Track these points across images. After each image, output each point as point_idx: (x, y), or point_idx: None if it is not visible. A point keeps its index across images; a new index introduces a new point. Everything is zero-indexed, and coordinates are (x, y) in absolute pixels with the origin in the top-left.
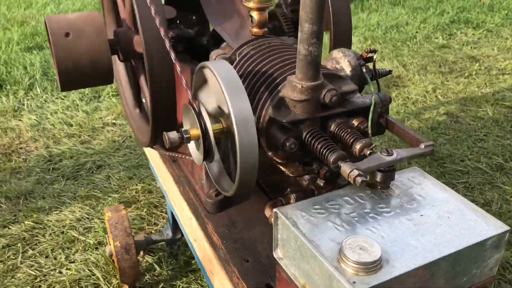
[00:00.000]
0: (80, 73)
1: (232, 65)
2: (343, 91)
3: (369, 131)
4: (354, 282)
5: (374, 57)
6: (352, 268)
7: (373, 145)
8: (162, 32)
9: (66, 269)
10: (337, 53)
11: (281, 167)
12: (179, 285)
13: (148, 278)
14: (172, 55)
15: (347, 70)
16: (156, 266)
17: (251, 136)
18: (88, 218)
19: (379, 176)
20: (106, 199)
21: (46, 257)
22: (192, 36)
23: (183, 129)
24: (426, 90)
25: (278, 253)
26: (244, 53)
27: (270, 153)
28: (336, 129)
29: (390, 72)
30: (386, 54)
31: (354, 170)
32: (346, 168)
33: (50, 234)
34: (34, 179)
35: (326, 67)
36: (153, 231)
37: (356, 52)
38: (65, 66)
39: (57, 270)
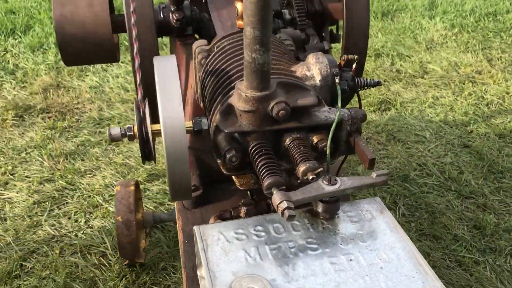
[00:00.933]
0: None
1: (207, 58)
2: (297, 105)
3: (327, 151)
4: None
5: (353, 67)
6: None
7: (320, 169)
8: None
9: (82, 233)
10: (311, 58)
11: (233, 176)
12: (179, 266)
13: (154, 255)
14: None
15: (317, 78)
16: (164, 244)
17: (179, 143)
18: (115, 186)
19: (320, 207)
20: (138, 169)
21: (69, 218)
22: (202, 19)
23: (127, 126)
24: (507, 91)
25: (201, 272)
26: (220, 47)
27: (218, 161)
28: (289, 145)
29: (378, 83)
30: (472, 46)
31: (284, 201)
32: (276, 198)
33: (78, 197)
34: (79, 140)
35: (291, 73)
36: (171, 208)
37: (333, 58)
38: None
39: (74, 233)
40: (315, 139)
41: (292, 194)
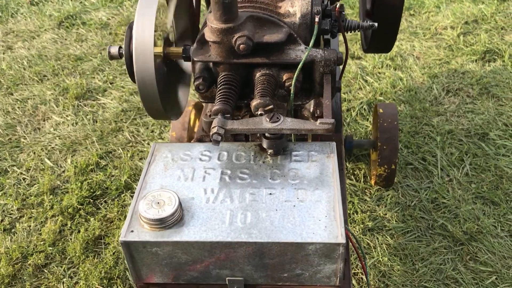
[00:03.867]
0: None
1: None
2: (262, 41)
3: (292, 91)
4: (132, 231)
5: (337, 5)
6: (141, 218)
7: (270, 106)
8: None
9: (147, 144)
10: None
11: None
12: None
13: None
14: None
15: (297, 16)
16: None
17: (148, 67)
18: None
19: (264, 142)
20: None
21: (146, 128)
22: None
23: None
24: None
25: None
26: None
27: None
28: (257, 79)
29: (371, 26)
30: None
31: (216, 127)
32: (213, 123)
33: None
34: None
35: (275, 8)
36: None
37: None
38: None
39: (147, 142)
40: (284, 77)
41: (230, 122)
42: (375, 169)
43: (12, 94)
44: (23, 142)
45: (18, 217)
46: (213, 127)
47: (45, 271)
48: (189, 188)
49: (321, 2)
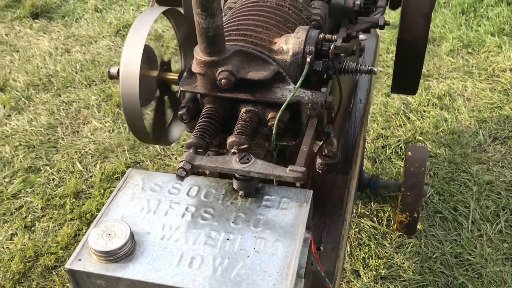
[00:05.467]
0: None
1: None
2: (245, 77)
3: (274, 131)
4: (79, 260)
5: (331, 48)
6: (90, 248)
7: (244, 146)
8: None
9: (175, 158)
10: (297, 30)
11: None
12: None
13: None
14: None
15: (289, 54)
16: None
17: (132, 89)
18: None
19: (234, 182)
20: None
21: (177, 143)
22: None
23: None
24: None
25: None
26: (238, 4)
27: None
28: (240, 115)
29: (371, 71)
30: None
31: (184, 162)
32: (182, 157)
33: None
34: None
35: (269, 44)
36: None
37: (316, 35)
38: None
39: (174, 156)
40: (269, 115)
41: (198, 158)
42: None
43: (60, 96)
44: (60, 143)
45: (40, 216)
46: (180, 161)
47: (53, 273)
48: (149, 221)
49: (316, 41)
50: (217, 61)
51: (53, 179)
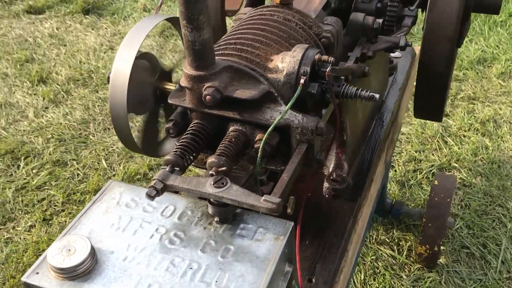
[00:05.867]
0: None
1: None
2: (231, 95)
3: (259, 154)
4: (37, 273)
5: (327, 71)
6: (48, 263)
7: (222, 168)
8: None
9: None
10: (295, 49)
11: None
12: None
13: None
14: None
15: (283, 73)
16: None
17: (120, 95)
18: None
19: (208, 207)
20: None
21: None
22: None
23: None
24: None
25: None
26: (245, 17)
27: None
28: (226, 135)
29: (371, 97)
30: None
31: (156, 180)
32: (156, 175)
33: None
34: None
35: (265, 61)
36: None
37: (313, 55)
38: None
39: None
40: (257, 136)
41: (172, 178)
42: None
43: (97, 92)
44: (90, 139)
45: (59, 210)
46: (153, 179)
47: None
48: (116, 239)
49: (312, 62)
50: (204, 76)
51: (78, 174)
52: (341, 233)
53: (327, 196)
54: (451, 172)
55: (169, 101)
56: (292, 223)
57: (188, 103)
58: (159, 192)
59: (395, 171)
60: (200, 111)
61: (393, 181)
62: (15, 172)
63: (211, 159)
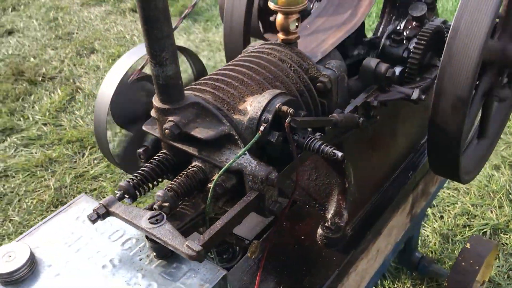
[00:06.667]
0: None
1: None
2: (188, 132)
3: (209, 194)
4: None
5: (286, 122)
6: None
7: (166, 204)
8: None
9: None
10: (264, 94)
11: None
12: None
13: None
14: None
15: (248, 117)
16: None
17: (102, 115)
18: None
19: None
20: None
21: None
22: None
23: None
24: None
25: None
26: (244, 52)
27: None
28: (186, 169)
29: (333, 155)
30: None
31: (100, 205)
32: (102, 200)
33: None
34: None
35: (236, 102)
36: None
37: (279, 102)
38: None
39: None
40: (214, 177)
41: (116, 205)
42: None
43: None
44: None
45: None
46: (99, 203)
47: None
48: (59, 254)
49: (276, 109)
50: (168, 109)
51: None
52: (320, 284)
53: (319, 242)
54: (507, 235)
55: (143, 128)
56: (224, 272)
57: (158, 132)
58: (100, 217)
59: (444, 222)
60: (165, 141)
61: (436, 233)
62: (79, 159)
63: (159, 192)
